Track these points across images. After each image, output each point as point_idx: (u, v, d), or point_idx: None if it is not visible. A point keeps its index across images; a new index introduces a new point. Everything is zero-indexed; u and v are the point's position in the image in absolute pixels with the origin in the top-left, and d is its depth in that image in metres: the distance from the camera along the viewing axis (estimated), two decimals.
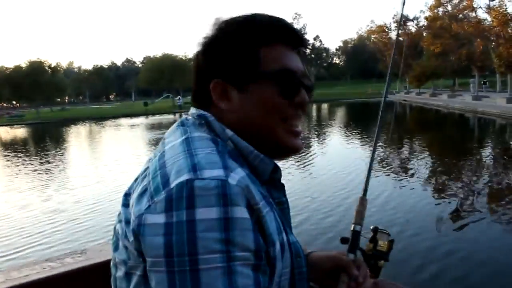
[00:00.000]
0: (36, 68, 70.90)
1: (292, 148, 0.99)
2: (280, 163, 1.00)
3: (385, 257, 1.21)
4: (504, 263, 5.64)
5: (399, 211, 8.02)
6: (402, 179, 11.09)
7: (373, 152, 1.25)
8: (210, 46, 0.97)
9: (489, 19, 39.83)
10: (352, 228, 1.16)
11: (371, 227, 1.25)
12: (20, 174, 15.49)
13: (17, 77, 68.91)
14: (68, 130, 41.61)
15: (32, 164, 17.98)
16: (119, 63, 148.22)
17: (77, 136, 35.52)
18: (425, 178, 11.27)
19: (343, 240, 1.15)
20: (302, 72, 0.99)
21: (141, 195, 0.81)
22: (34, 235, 7.76)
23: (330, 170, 12.22)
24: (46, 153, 22.60)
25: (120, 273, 0.88)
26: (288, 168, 11.99)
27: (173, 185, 0.77)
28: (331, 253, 1.17)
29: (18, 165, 17.91)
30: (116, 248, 0.90)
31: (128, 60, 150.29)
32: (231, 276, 0.73)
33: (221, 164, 0.80)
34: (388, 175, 11.59)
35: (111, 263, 0.94)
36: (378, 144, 1.30)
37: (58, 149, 24.41)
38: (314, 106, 58.52)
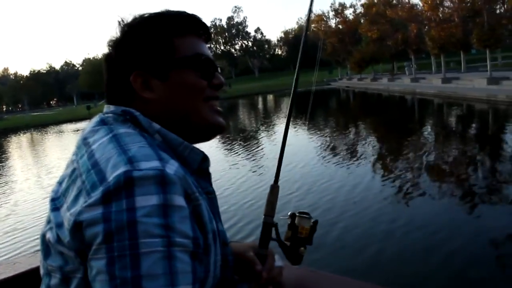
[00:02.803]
0: None
1: (218, 125, 1.03)
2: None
3: (305, 243, 1.17)
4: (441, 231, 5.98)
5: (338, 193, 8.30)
6: (346, 162, 11.41)
7: (284, 137, 1.24)
8: (123, 41, 0.98)
9: (421, 4, 41.27)
10: (263, 220, 1.13)
11: (289, 213, 1.20)
12: None
13: None
14: (8, 140, 39.80)
15: None
16: (57, 67, 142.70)
17: (18, 146, 34.05)
18: (369, 159, 11.65)
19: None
20: (213, 59, 1.05)
21: (77, 196, 0.80)
22: None
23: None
24: None
25: (55, 280, 0.85)
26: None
27: (110, 178, 0.76)
28: (244, 246, 1.16)
29: None
30: (47, 255, 0.87)
31: (67, 64, 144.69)
32: (170, 261, 0.73)
33: (156, 156, 0.81)
34: (333, 160, 11.90)
35: (42, 273, 0.91)
36: (324, 131, 1.29)
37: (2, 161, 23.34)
38: (260, 98, 58.85)
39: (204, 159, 0.97)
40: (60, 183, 0.89)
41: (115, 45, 0.99)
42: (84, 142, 0.90)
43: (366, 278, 4.44)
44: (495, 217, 6.66)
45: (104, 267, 0.72)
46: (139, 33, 0.98)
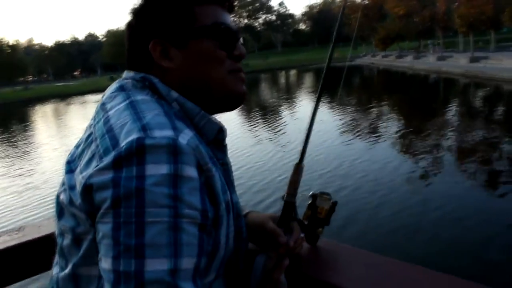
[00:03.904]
0: None
1: (239, 93, 1.01)
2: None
3: (323, 223, 1.17)
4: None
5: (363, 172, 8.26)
6: (370, 140, 11.32)
7: (313, 116, 1.17)
8: (144, 9, 0.98)
9: None
10: (284, 199, 1.12)
11: (311, 193, 1.19)
12: None
13: None
14: (32, 109, 40.53)
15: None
16: (81, 38, 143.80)
17: (43, 115, 34.67)
18: (392, 138, 11.53)
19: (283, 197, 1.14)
20: (236, 28, 1.01)
21: (90, 160, 0.80)
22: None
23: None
24: (13, 134, 22.04)
25: (67, 241, 0.87)
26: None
27: (123, 144, 0.75)
28: (263, 216, 1.14)
29: None
30: (60, 216, 0.88)
31: (90, 35, 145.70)
32: (176, 232, 0.73)
33: (170, 125, 0.80)
34: (358, 137, 11.82)
35: (56, 233, 0.92)
36: (346, 107, 1.25)
37: (25, 130, 23.83)
38: (283, 73, 58.46)
39: (220, 130, 0.96)
40: (77, 146, 0.90)
41: (136, 12, 0.98)
42: (102, 107, 0.90)
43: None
44: None
45: (109, 232, 0.72)
46: (159, 1, 0.96)
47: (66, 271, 0.87)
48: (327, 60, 1.22)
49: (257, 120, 17.58)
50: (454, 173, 8.14)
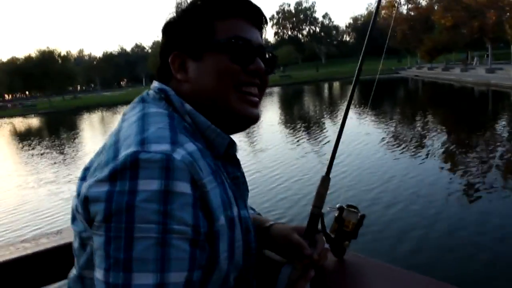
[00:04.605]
0: (47, 57, 71.32)
1: (246, 116, 0.99)
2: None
3: (350, 237, 1.16)
4: None
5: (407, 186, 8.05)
6: (414, 155, 11.06)
7: (341, 128, 1.18)
8: (170, 23, 1.02)
9: None
10: (311, 211, 1.12)
11: (337, 205, 1.19)
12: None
13: (28, 67, 69.38)
14: (80, 118, 41.92)
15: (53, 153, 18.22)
16: (128, 49, 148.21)
17: (90, 124, 35.81)
18: (438, 154, 11.21)
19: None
20: (259, 44, 1.01)
21: (95, 169, 0.83)
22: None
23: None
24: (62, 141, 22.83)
25: (76, 244, 0.92)
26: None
27: (120, 157, 0.78)
28: (288, 228, 1.15)
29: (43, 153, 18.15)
30: (72, 220, 0.92)
31: (137, 46, 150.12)
32: (164, 247, 0.75)
33: (170, 139, 0.82)
34: (400, 151, 11.57)
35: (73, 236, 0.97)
36: (390, 121, 1.23)
37: (75, 137, 24.66)
38: (326, 85, 58.15)
39: (230, 145, 0.97)
40: (97, 154, 0.92)
41: (164, 26, 1.03)
42: (122, 118, 0.95)
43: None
44: None
45: (102, 245, 0.76)
46: (184, 16, 1.00)
47: (75, 272, 0.93)
48: (356, 72, 1.21)
49: (300, 132, 17.52)
50: (508, 189, 7.81)
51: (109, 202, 0.76)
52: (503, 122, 16.60)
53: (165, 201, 0.76)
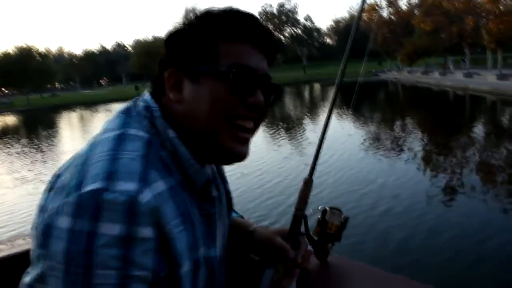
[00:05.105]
0: (25, 54, 70.06)
1: (233, 154, 0.93)
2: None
3: (333, 239, 1.16)
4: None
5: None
6: (396, 156, 11.18)
7: (324, 131, 1.15)
8: (173, 34, 0.95)
9: None
10: (293, 213, 1.11)
11: (320, 208, 1.18)
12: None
13: (6, 64, 68.01)
14: (59, 115, 41.34)
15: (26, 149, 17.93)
16: (109, 47, 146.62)
17: (68, 122, 35.33)
18: (418, 156, 11.38)
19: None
20: (264, 73, 0.94)
21: (62, 188, 0.79)
22: None
23: None
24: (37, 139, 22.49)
25: (33, 253, 0.86)
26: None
27: (84, 190, 0.75)
28: (271, 231, 1.15)
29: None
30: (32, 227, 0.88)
31: (118, 45, 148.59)
32: None
33: (139, 176, 0.78)
34: (369, 154, 11.70)
35: None
36: (372, 123, 1.24)
37: (53, 136, 24.30)
38: (307, 86, 58.47)
39: (207, 183, 0.93)
40: (68, 165, 0.87)
41: (166, 37, 0.97)
42: (103, 125, 0.92)
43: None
44: None
45: (59, 286, 0.74)
46: (187, 31, 0.93)
47: (27, 280, 0.85)
48: (338, 75, 1.22)
49: (281, 134, 17.58)
50: (474, 193, 7.97)
51: (69, 243, 0.73)
52: (481, 126, 16.91)
53: (126, 246, 0.73)
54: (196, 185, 0.90)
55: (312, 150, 1.13)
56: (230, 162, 0.97)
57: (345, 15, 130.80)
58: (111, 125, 0.90)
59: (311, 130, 17.53)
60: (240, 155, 0.94)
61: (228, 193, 1.14)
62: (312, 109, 28.93)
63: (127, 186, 0.76)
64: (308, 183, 1.12)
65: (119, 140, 0.84)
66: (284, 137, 16.21)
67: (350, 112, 18.49)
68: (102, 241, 0.72)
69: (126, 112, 0.93)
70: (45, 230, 0.77)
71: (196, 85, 0.90)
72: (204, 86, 0.89)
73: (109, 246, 0.72)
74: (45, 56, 78.12)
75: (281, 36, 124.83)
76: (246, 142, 0.94)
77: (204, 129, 0.90)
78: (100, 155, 0.81)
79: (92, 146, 0.85)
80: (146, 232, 0.76)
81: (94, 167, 0.79)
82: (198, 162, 0.91)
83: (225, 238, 1.08)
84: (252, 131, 0.96)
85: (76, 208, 0.74)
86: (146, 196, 0.76)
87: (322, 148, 1.14)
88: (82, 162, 0.81)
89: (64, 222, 0.74)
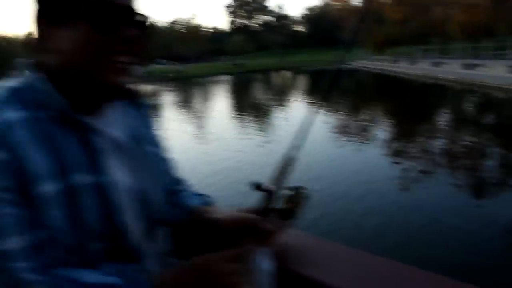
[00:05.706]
0: None
1: (114, 85, 0.90)
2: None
3: (294, 216, 1.14)
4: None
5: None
6: (365, 143, 11.45)
7: (309, 115, 1.15)
8: None
9: None
10: (263, 188, 1.09)
11: (285, 186, 1.14)
12: None
13: None
14: None
15: None
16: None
17: None
18: (381, 142, 11.73)
19: (258, 187, 1.10)
20: (129, 7, 0.90)
21: None
22: None
23: None
24: None
25: None
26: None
27: None
28: (237, 212, 1.14)
29: None
30: None
31: None
32: None
33: None
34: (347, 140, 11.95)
35: None
36: (344, 111, 1.11)
37: None
38: (277, 74, 58.47)
39: (76, 108, 0.89)
40: None
41: None
42: None
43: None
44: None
45: None
46: None
47: None
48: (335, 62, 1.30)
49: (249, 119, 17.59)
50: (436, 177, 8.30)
51: None
52: (442, 113, 17.37)
53: None
54: (57, 113, 0.87)
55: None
56: (115, 95, 0.95)
57: (318, 3, 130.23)
58: None
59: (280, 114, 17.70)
60: (120, 85, 0.91)
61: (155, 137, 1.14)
62: (280, 95, 29.04)
63: None
64: (283, 160, 1.12)
65: None
66: (251, 122, 16.21)
67: (324, 100, 18.61)
68: None
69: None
70: None
71: (63, 32, 0.87)
72: (71, 32, 0.86)
73: None
74: (9, 42, 75.70)
75: (254, 24, 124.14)
76: (124, 72, 0.90)
77: (81, 69, 0.87)
78: None
79: None
80: None
81: None
82: (85, 107, 0.91)
83: (152, 171, 1.04)
84: (132, 63, 0.91)
85: None
86: None
87: (308, 131, 1.14)
88: None
89: None
